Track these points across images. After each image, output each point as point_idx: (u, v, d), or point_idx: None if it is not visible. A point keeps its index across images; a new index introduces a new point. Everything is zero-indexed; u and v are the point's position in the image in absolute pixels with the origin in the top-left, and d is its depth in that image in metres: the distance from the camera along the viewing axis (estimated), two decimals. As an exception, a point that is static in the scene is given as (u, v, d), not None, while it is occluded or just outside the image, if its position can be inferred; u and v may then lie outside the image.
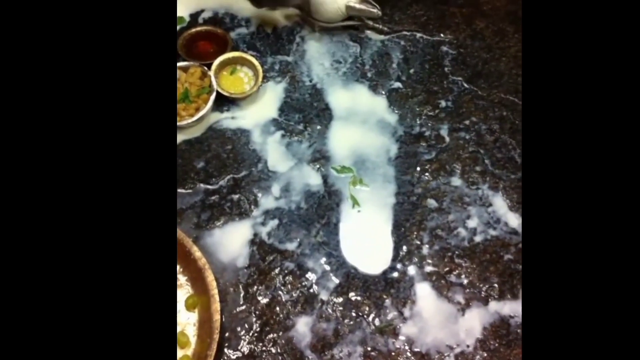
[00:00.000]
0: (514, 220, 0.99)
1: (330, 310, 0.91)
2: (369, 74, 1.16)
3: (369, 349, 0.88)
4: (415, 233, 0.98)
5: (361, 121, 1.09)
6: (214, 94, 1.05)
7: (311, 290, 0.92)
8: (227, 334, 0.88)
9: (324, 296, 0.92)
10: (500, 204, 1.01)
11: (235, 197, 1.00)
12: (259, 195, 1.00)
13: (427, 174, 1.04)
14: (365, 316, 0.90)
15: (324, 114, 1.10)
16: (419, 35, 1.22)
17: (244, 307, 0.90)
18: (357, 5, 1.15)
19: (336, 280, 0.93)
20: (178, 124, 1.03)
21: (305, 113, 1.10)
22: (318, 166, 1.04)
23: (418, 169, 1.04)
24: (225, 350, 0.87)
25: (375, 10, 1.16)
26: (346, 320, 0.90)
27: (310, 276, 0.93)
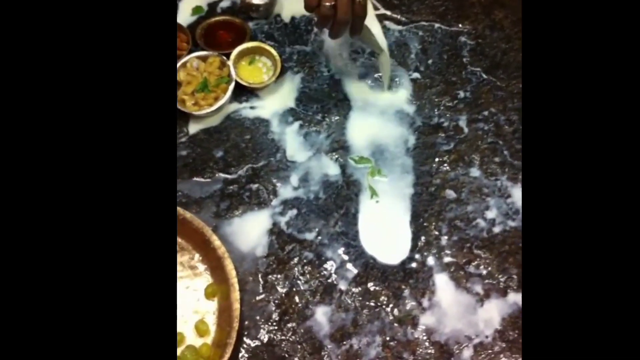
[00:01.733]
0: (533, 212, 0.99)
1: (349, 300, 0.91)
2: (387, 65, 1.15)
3: (387, 338, 0.88)
4: (433, 224, 0.98)
5: (379, 112, 1.09)
6: (233, 84, 1.05)
7: (330, 280, 0.92)
8: (246, 323, 0.89)
9: (342, 286, 0.92)
10: (519, 195, 1.01)
11: (254, 186, 1.00)
12: (278, 185, 1.01)
13: (445, 164, 1.04)
14: (383, 306, 0.91)
15: (342, 105, 1.10)
16: (437, 25, 1.21)
17: (263, 296, 0.91)
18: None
19: (355, 270, 0.93)
20: (197, 113, 1.03)
21: (324, 103, 1.10)
22: (336, 156, 1.04)
23: (436, 159, 1.04)
24: (245, 338, 0.88)
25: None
26: (365, 310, 0.90)
27: (329, 266, 0.94)
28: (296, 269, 0.93)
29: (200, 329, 0.86)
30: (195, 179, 1.00)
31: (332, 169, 1.03)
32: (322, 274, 0.93)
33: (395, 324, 0.89)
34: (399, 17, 1.21)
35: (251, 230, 0.96)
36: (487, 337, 0.89)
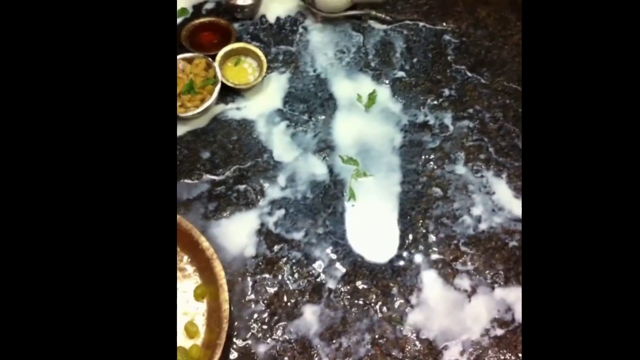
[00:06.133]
0: (518, 208, 1.00)
1: (337, 299, 0.91)
2: (372, 64, 1.16)
3: (376, 336, 0.89)
4: (420, 221, 0.99)
5: (365, 111, 1.10)
6: (219, 85, 1.05)
7: (318, 280, 0.93)
8: (235, 323, 0.89)
9: (331, 285, 0.93)
10: (504, 192, 1.02)
11: (242, 187, 1.01)
12: (265, 185, 1.01)
13: (431, 162, 1.05)
14: (372, 304, 0.91)
15: (328, 104, 1.10)
16: (421, 24, 1.22)
17: (252, 297, 0.91)
18: None
19: (343, 269, 0.94)
20: (183, 115, 1.03)
21: (310, 103, 1.10)
22: (323, 156, 1.04)
23: (423, 157, 1.05)
24: (234, 339, 0.88)
25: None
26: (354, 309, 0.91)
27: (317, 265, 0.94)
28: (285, 268, 0.94)
29: (190, 330, 0.86)
30: (183, 180, 1.00)
31: (319, 169, 1.03)
32: (311, 273, 0.93)
33: (384, 322, 0.90)
34: (383, 16, 1.21)
35: (239, 231, 0.97)
36: (474, 332, 0.89)
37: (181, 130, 1.06)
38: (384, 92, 1.12)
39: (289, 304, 0.91)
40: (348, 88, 1.13)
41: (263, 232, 0.97)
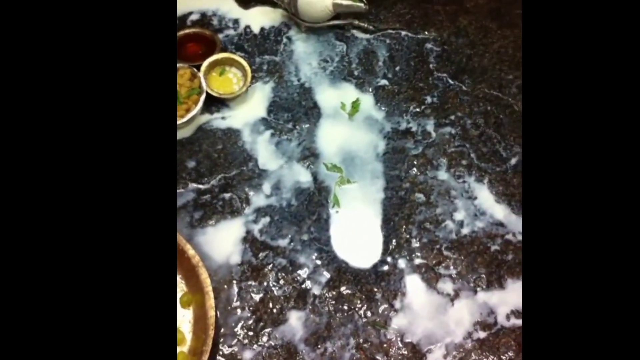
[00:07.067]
0: (500, 212, 1.02)
1: (322, 305, 0.93)
2: (355, 72, 1.18)
3: (361, 340, 0.90)
4: (404, 227, 1.00)
5: (348, 118, 1.11)
6: (204, 95, 1.07)
7: (303, 286, 0.94)
8: (222, 330, 0.90)
9: (316, 291, 0.94)
10: (486, 197, 1.03)
11: (227, 195, 1.02)
12: (250, 193, 1.02)
13: (414, 168, 1.06)
14: (357, 309, 0.92)
15: (312, 113, 1.12)
16: (404, 33, 1.24)
17: (238, 303, 0.92)
18: (344, 2, 1.16)
19: (328, 275, 0.95)
20: (169, 125, 1.04)
21: (294, 112, 1.12)
22: (308, 164, 1.06)
23: (406, 164, 1.07)
24: (220, 346, 0.89)
25: (362, 5, 1.17)
26: (338, 314, 0.92)
27: (302, 271, 0.95)
28: (270, 275, 0.95)
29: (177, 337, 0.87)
30: (168, 189, 1.01)
31: (304, 176, 1.04)
32: (296, 279, 0.95)
33: (369, 327, 0.91)
34: (366, 25, 1.23)
35: (225, 238, 0.98)
36: (457, 336, 0.91)
37: (167, 140, 1.07)
38: (367, 100, 1.14)
39: (274, 310, 0.92)
40: (332, 96, 1.14)
41: (248, 240, 0.98)
